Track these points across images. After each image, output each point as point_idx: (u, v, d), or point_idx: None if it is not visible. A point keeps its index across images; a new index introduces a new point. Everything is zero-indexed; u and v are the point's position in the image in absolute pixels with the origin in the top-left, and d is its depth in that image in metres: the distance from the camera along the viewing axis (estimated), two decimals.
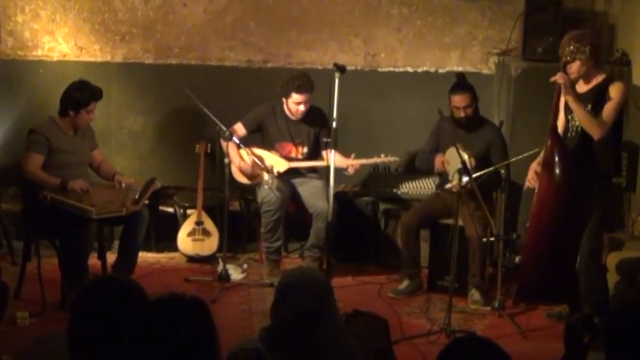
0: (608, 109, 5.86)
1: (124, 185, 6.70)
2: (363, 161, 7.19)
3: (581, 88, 6.00)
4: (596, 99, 5.92)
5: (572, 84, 5.94)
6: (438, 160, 6.87)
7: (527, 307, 6.63)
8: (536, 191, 6.13)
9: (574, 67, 5.90)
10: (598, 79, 5.97)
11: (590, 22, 7.55)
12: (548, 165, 5.99)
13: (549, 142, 5.99)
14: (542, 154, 6.09)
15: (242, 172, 7.17)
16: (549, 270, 6.13)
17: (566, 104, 5.97)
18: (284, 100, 7.12)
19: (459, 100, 6.82)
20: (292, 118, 7.19)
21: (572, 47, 5.85)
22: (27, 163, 6.46)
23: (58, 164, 6.50)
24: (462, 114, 6.82)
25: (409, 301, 6.84)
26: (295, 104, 7.06)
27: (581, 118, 5.90)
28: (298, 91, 7.00)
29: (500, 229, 6.75)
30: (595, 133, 5.86)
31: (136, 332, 2.94)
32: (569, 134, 6.04)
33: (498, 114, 7.83)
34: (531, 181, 6.20)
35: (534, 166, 6.19)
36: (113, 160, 7.38)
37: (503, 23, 8.11)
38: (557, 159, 5.94)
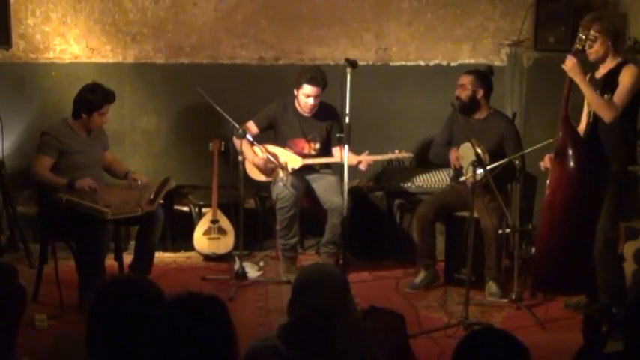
0: (619, 92, 5.85)
1: (139, 182, 6.72)
2: (377, 157, 7.18)
3: (599, 72, 6.02)
4: (607, 83, 5.92)
5: (595, 67, 5.97)
6: (452, 156, 6.87)
7: (545, 298, 6.63)
8: (548, 181, 6.13)
9: (598, 53, 5.92)
10: (613, 63, 5.96)
11: (601, 9, 7.51)
12: (560, 154, 5.99)
13: (561, 132, 5.99)
14: None
15: (257, 168, 7.18)
16: (564, 259, 6.13)
17: None
18: (295, 92, 7.12)
19: (460, 78, 6.91)
20: (304, 114, 7.19)
21: (581, 34, 5.87)
22: (35, 165, 6.49)
23: (71, 166, 6.52)
24: (456, 92, 6.85)
25: (426, 294, 6.83)
26: (305, 96, 7.05)
27: (591, 100, 5.91)
28: (310, 82, 6.99)
29: (516, 220, 6.74)
30: (605, 115, 5.85)
31: (154, 332, 2.94)
32: (590, 119, 6.04)
33: (511, 105, 7.82)
34: (547, 162, 6.20)
35: (551, 155, 6.18)
36: (127, 161, 7.40)
37: (514, 14, 8.10)
38: (569, 148, 5.94)
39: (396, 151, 7.16)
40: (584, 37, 5.87)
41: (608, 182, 5.96)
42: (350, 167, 6.69)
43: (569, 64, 5.85)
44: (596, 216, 5.99)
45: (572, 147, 5.95)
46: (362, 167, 7.11)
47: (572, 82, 5.93)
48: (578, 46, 5.89)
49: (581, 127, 6.15)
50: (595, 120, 5.96)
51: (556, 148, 6.03)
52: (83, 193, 6.35)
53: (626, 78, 5.85)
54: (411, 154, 7.28)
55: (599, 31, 5.87)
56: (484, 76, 6.94)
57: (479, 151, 6.19)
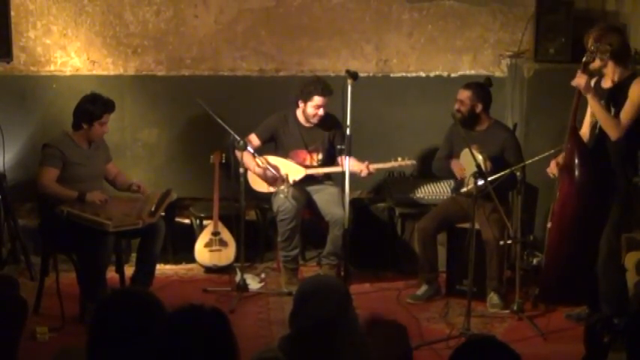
0: (627, 109, 5.84)
1: (142, 192, 6.73)
2: (381, 165, 7.18)
3: (607, 83, 6.01)
4: (616, 96, 5.91)
5: (599, 79, 5.95)
6: (456, 168, 6.87)
7: (547, 309, 6.62)
8: (557, 193, 6.12)
9: (594, 66, 5.91)
10: (622, 76, 5.95)
11: (603, 21, 7.52)
12: (568, 166, 5.98)
13: (569, 144, 5.98)
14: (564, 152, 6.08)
15: (260, 178, 7.18)
16: (572, 270, 6.12)
17: None
18: (302, 104, 7.13)
19: (459, 93, 6.90)
20: (306, 125, 7.20)
21: (592, 47, 5.85)
22: (42, 177, 6.48)
23: (72, 178, 6.52)
24: (455, 106, 6.85)
25: (428, 306, 6.82)
26: (315, 107, 7.07)
27: (600, 117, 5.89)
28: (322, 93, 7.02)
29: (517, 231, 6.73)
30: (612, 133, 5.85)
31: (156, 344, 2.94)
32: (596, 130, 6.03)
33: (512, 116, 7.82)
34: (553, 168, 6.18)
35: (557, 159, 6.17)
36: (128, 173, 7.39)
37: (514, 25, 8.11)
38: (577, 160, 5.94)
39: (399, 159, 7.15)
40: (594, 48, 5.85)
41: (615, 194, 5.96)
42: (352, 177, 6.68)
43: (582, 82, 5.82)
44: (602, 227, 6.00)
45: (580, 160, 5.94)
46: (363, 174, 7.11)
47: (581, 94, 5.92)
48: (589, 58, 5.88)
49: (582, 132, 6.14)
50: (601, 132, 5.95)
51: (564, 160, 6.03)
52: (94, 206, 6.36)
53: (635, 94, 5.84)
54: (414, 162, 7.27)
55: (601, 50, 5.86)
56: (482, 89, 6.92)
57: (479, 160, 6.19)
